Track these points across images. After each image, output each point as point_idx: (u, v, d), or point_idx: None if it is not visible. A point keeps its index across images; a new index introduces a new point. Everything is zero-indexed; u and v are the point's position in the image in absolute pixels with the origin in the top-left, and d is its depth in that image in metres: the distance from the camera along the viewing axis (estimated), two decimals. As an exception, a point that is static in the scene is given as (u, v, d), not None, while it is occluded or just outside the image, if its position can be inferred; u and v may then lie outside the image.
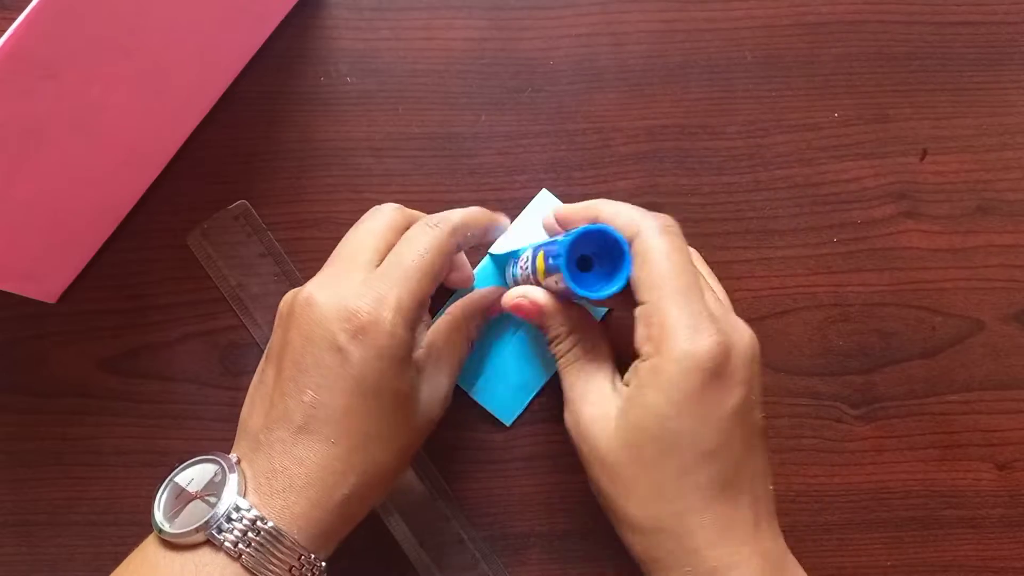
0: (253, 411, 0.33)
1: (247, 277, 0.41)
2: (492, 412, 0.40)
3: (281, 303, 0.33)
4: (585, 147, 0.42)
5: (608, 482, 0.31)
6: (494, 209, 0.41)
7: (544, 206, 0.41)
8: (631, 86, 0.42)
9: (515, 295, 0.35)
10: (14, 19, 0.29)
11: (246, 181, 0.41)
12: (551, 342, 0.35)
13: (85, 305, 0.41)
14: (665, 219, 0.32)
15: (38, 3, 0.29)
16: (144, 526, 0.40)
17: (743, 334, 0.31)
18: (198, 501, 0.30)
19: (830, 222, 0.41)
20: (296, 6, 0.42)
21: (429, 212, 0.41)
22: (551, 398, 0.41)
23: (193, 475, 0.31)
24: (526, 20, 0.42)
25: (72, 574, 0.40)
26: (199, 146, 0.42)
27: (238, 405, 0.41)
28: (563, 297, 0.34)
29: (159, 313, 0.41)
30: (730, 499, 0.30)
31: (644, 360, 0.30)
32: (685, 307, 0.30)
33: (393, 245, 0.33)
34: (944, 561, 0.40)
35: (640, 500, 0.30)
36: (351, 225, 0.41)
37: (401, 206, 0.36)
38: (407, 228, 0.34)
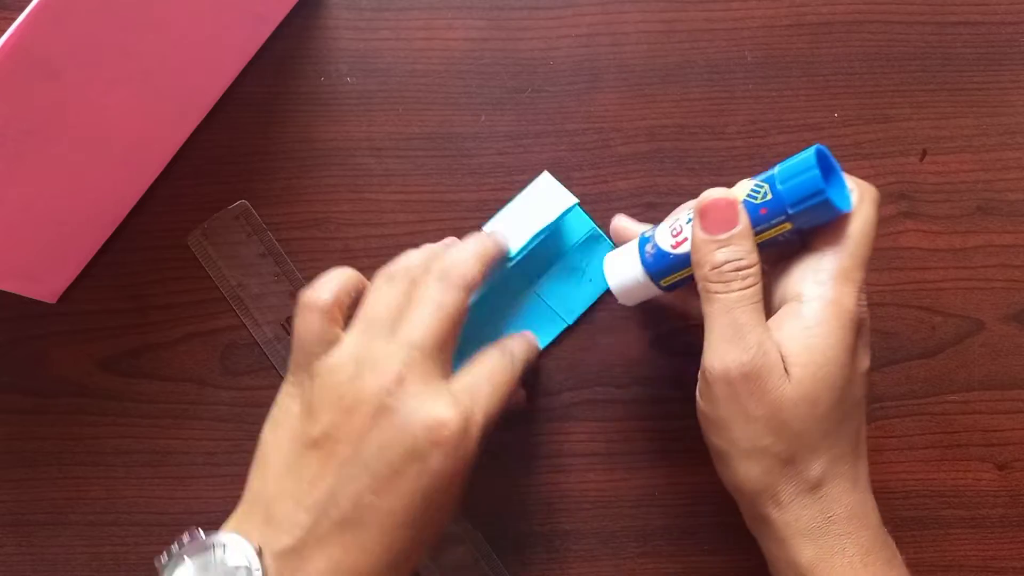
0: (283, 494, 0.30)
1: (247, 277, 0.41)
2: None
3: (346, 392, 0.31)
4: (585, 147, 0.42)
5: (770, 431, 0.30)
6: (493, 210, 0.41)
7: (545, 189, 0.40)
8: (631, 86, 0.42)
9: (714, 194, 0.32)
10: (14, 19, 0.29)
11: (246, 181, 0.41)
12: (731, 268, 0.31)
13: (85, 305, 0.41)
14: (876, 192, 0.33)
15: (38, 3, 0.29)
16: (144, 526, 0.40)
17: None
18: None
19: (830, 222, 0.41)
20: (296, 6, 0.42)
21: (429, 212, 0.41)
22: (550, 398, 0.41)
23: (214, 560, 0.29)
24: (526, 20, 0.42)
25: (72, 574, 0.40)
26: (199, 146, 0.42)
27: (238, 405, 0.41)
28: None
29: (159, 313, 0.41)
30: (862, 452, 0.32)
31: (806, 302, 0.31)
32: (860, 270, 0.31)
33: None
34: (944, 561, 0.40)
35: (800, 447, 0.31)
36: (351, 225, 0.41)
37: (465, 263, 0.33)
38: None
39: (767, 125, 0.42)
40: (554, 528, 0.40)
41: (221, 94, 0.41)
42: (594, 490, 0.40)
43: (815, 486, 0.30)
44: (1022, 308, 0.41)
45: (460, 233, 0.41)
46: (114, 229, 0.41)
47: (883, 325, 0.41)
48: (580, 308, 0.41)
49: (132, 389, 0.40)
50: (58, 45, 0.31)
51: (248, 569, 0.28)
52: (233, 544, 0.29)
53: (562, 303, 0.41)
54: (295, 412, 0.32)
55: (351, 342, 0.32)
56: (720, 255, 0.31)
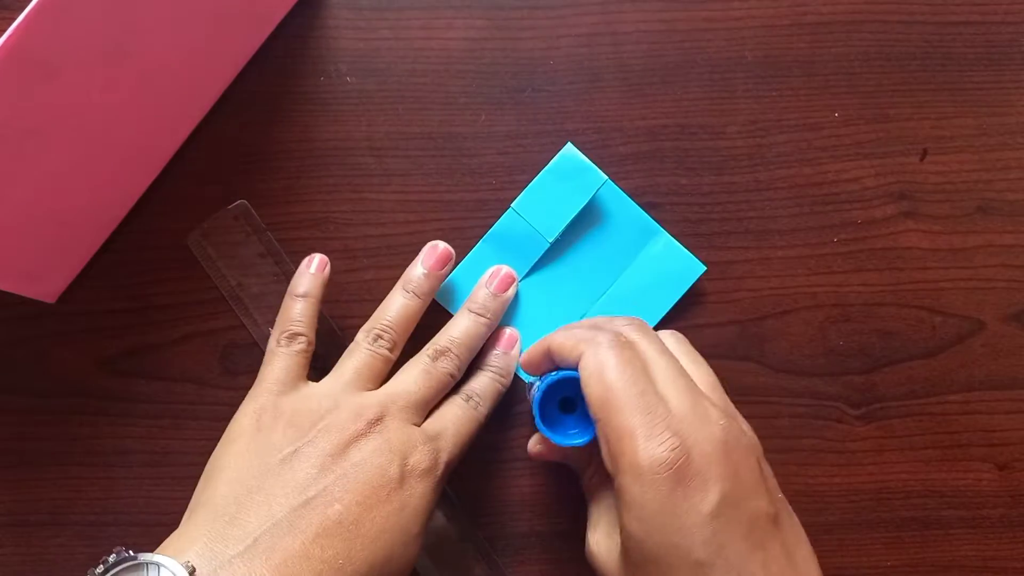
0: (246, 507, 0.30)
1: (247, 277, 0.41)
2: None
3: (326, 418, 0.33)
4: (585, 147, 0.42)
5: None
6: (493, 210, 0.41)
7: (567, 164, 0.40)
8: (631, 86, 0.42)
9: (533, 445, 0.37)
10: (14, 19, 0.29)
11: (246, 181, 0.41)
12: (582, 478, 0.36)
13: (85, 305, 0.41)
14: (620, 330, 0.32)
15: (38, 3, 0.29)
16: (143, 526, 0.40)
17: (712, 427, 0.29)
18: None
19: (830, 222, 0.41)
20: (296, 6, 0.42)
21: (429, 212, 0.41)
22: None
23: None
24: (526, 20, 0.42)
25: (72, 574, 0.40)
26: (199, 146, 0.42)
27: (237, 405, 0.41)
28: None
29: (159, 313, 0.41)
30: None
31: (613, 481, 0.29)
32: (633, 418, 0.28)
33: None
34: (944, 561, 0.40)
35: None
36: (351, 225, 0.41)
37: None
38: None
39: (767, 125, 0.42)
40: (554, 528, 0.40)
41: (221, 94, 0.41)
42: (594, 490, 0.40)
43: None
44: (1022, 308, 0.41)
45: (459, 233, 0.41)
46: (114, 229, 0.41)
47: (883, 325, 0.41)
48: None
49: (132, 389, 0.40)
50: (58, 45, 0.31)
51: None
52: (165, 564, 0.28)
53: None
54: (258, 430, 0.33)
55: (332, 383, 0.35)
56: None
